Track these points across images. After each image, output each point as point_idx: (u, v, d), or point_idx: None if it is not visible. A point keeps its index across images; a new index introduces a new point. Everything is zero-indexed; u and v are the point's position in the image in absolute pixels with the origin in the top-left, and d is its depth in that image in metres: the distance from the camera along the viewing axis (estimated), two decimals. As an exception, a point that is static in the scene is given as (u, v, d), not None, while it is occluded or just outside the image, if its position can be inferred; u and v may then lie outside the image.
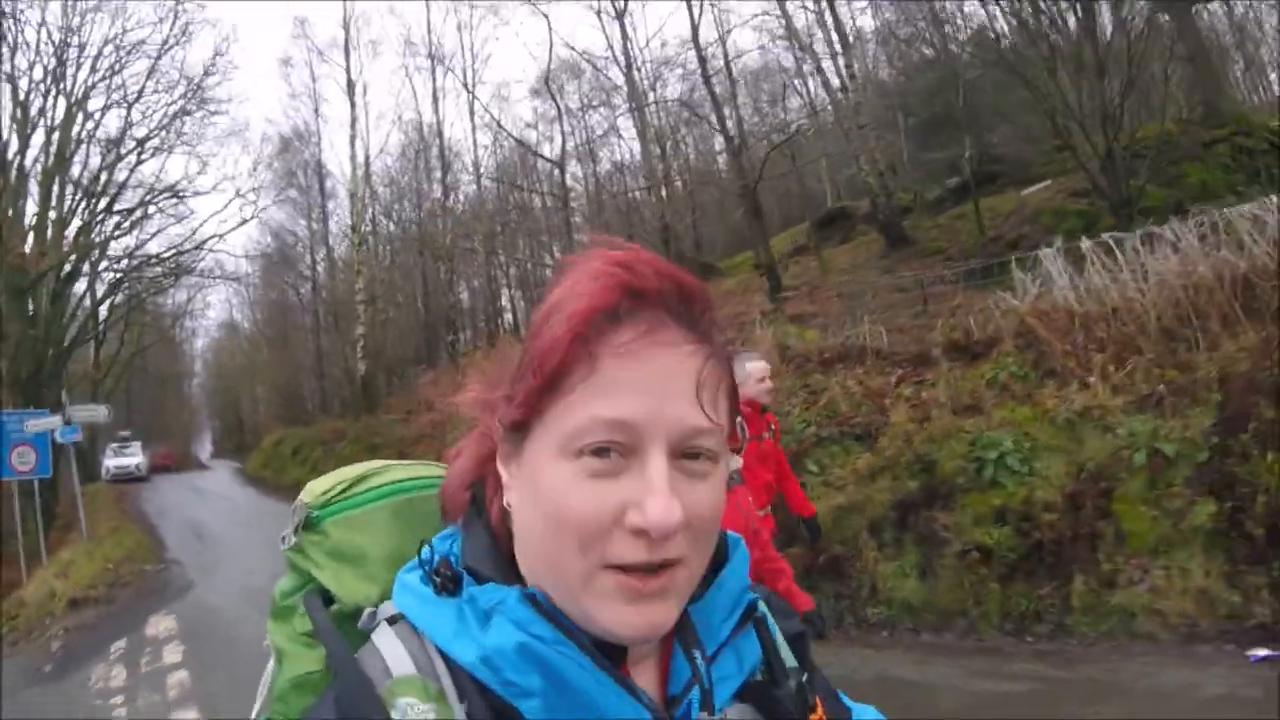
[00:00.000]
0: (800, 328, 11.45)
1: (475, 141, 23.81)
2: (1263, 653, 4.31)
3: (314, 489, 0.75)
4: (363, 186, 21.94)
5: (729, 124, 15.95)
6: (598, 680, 0.55)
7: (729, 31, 16.88)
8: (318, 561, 0.71)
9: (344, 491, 0.74)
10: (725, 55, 16.98)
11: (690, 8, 15.97)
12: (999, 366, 6.67)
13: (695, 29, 15.75)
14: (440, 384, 16.85)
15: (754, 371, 4.03)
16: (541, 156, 21.55)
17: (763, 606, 0.69)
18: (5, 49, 17.64)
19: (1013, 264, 7.73)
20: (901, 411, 6.59)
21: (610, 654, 0.57)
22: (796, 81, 21.44)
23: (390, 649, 0.59)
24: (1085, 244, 6.86)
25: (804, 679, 0.67)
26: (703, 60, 15.81)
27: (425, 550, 0.63)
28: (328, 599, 0.69)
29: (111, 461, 26.74)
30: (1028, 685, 4.24)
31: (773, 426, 4.26)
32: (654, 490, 0.54)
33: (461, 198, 24.25)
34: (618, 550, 0.55)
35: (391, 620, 0.62)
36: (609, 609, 0.55)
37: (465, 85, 21.40)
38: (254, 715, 0.72)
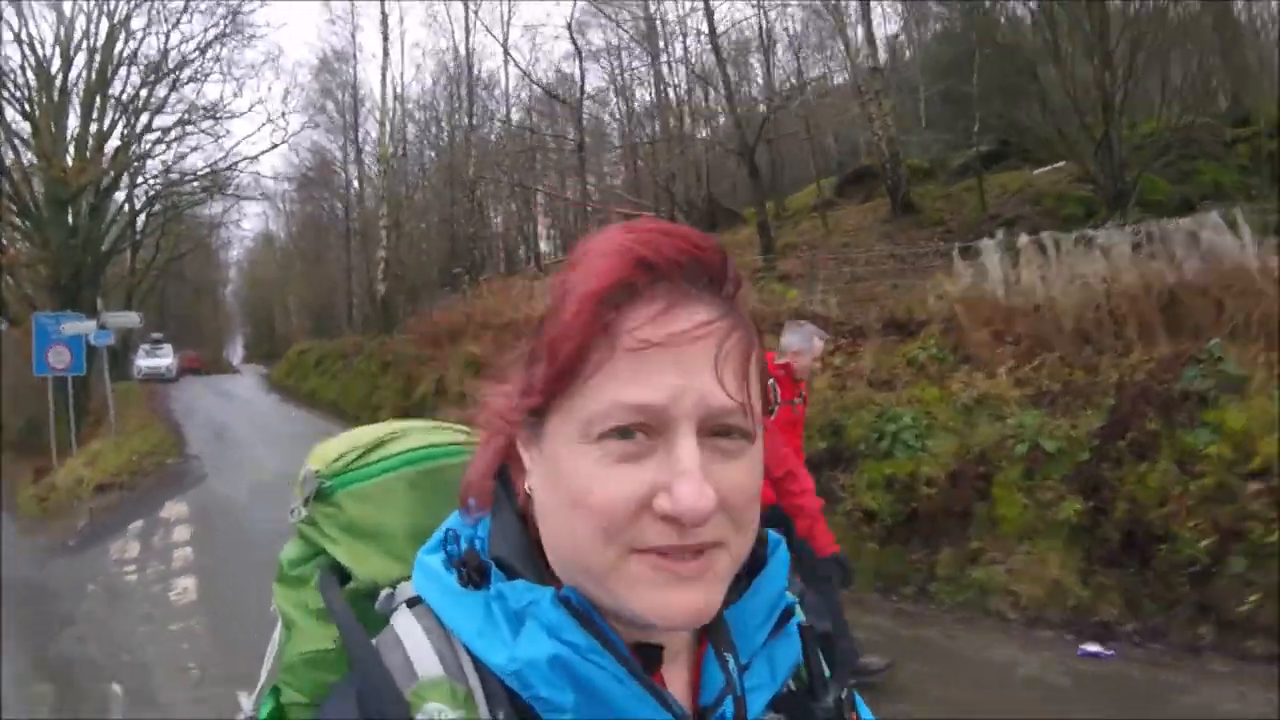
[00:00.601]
0: (785, 287, 11.91)
1: (507, 74, 23.66)
2: (1092, 648, 4.76)
3: (325, 455, 0.72)
4: (391, 116, 22.43)
5: (733, 83, 16.03)
6: (632, 693, 0.52)
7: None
8: (331, 536, 0.69)
9: (358, 459, 0.72)
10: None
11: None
12: (923, 347, 7.16)
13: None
14: (451, 311, 17.56)
15: (814, 350, 4.21)
16: (558, 98, 21.76)
17: (800, 612, 0.65)
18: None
19: (955, 252, 8.11)
20: (824, 379, 7.14)
21: (645, 659, 0.55)
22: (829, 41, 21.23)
23: (414, 642, 0.56)
24: (1022, 239, 7.23)
25: (844, 694, 0.64)
26: (711, 17, 15.86)
27: (443, 532, 0.60)
28: (341, 574, 0.67)
29: (143, 362, 27.89)
30: (867, 635, 4.88)
31: (803, 394, 4.35)
32: (684, 473, 0.51)
33: (492, 129, 24.66)
34: (647, 535, 0.52)
35: (411, 603, 0.59)
36: (644, 594, 0.52)
37: (489, 31, 21.47)
38: (261, 682, 0.71)
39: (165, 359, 28.26)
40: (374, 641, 0.57)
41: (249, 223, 38.51)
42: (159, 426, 17.72)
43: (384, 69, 22.10)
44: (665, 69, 19.39)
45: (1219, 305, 5.66)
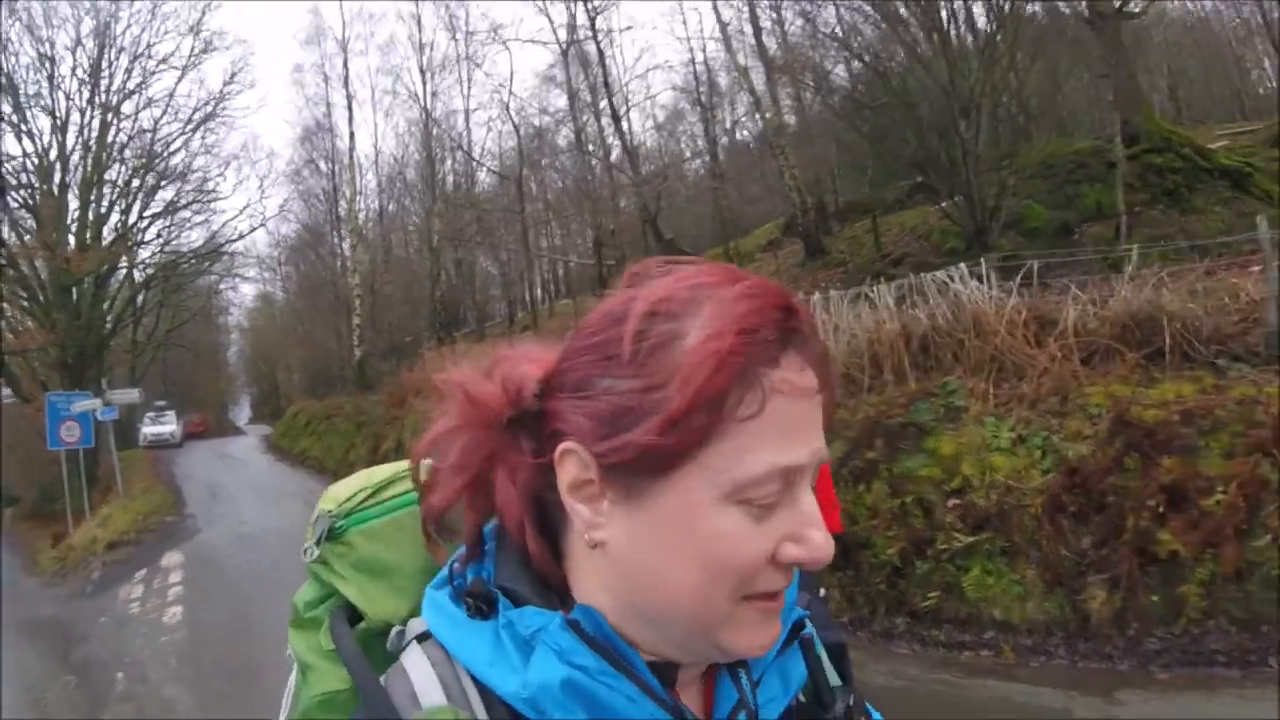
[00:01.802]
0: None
1: (469, 135, 25.61)
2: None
3: (336, 495, 0.71)
4: (358, 188, 24.51)
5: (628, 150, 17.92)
6: (646, 711, 0.53)
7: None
8: (342, 574, 0.68)
9: (369, 498, 0.70)
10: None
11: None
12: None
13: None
14: (416, 373, 19.26)
15: None
16: (495, 171, 23.87)
17: (809, 624, 0.66)
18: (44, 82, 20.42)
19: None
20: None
21: (662, 676, 0.55)
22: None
23: (419, 674, 0.56)
24: (814, 299, 8.86)
25: (850, 701, 0.65)
26: (611, 97, 17.91)
27: (449, 569, 0.61)
28: (355, 614, 0.66)
29: (148, 429, 29.70)
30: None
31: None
32: (815, 523, 0.53)
33: (465, 185, 26.50)
34: (763, 584, 0.53)
35: (422, 638, 0.59)
36: (748, 635, 0.54)
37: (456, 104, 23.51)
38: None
39: (169, 426, 30.03)
40: (383, 678, 0.57)
41: (247, 286, 40.43)
42: (161, 489, 19.48)
43: (350, 148, 24.23)
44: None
45: (960, 345, 7.25)
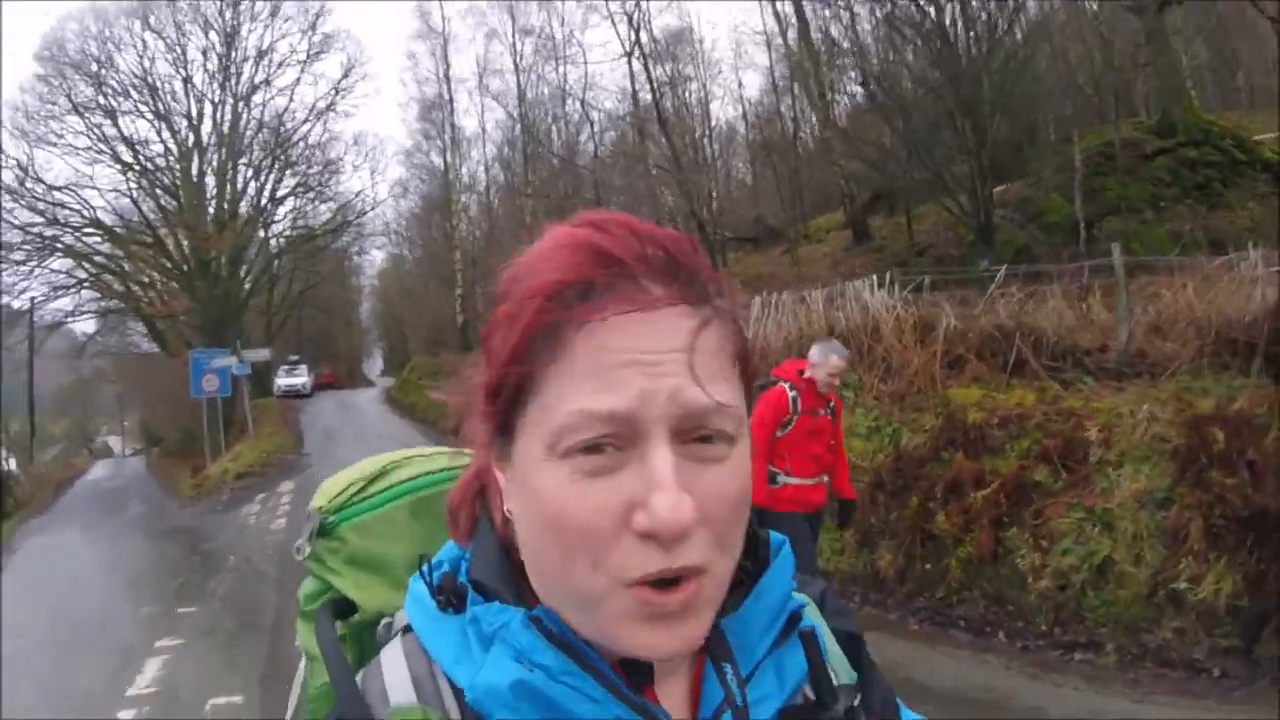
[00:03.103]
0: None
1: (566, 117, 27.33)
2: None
3: (328, 491, 0.73)
4: (457, 171, 26.95)
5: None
6: (611, 713, 0.49)
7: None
8: (336, 569, 0.70)
9: (359, 492, 0.73)
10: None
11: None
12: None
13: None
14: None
15: (828, 364, 4.43)
16: (568, 161, 25.43)
17: (811, 614, 0.62)
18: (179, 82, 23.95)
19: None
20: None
21: (634, 674, 0.51)
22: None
23: (392, 669, 0.55)
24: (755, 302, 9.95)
25: (856, 701, 0.59)
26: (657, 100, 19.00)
27: (431, 560, 0.59)
28: (350, 607, 0.68)
29: (282, 380, 33.22)
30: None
31: (833, 404, 4.64)
32: (658, 485, 0.47)
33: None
34: (629, 561, 0.47)
35: (407, 630, 0.57)
36: (629, 631, 0.49)
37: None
38: (289, 715, 0.72)
39: (300, 378, 33.78)
40: (363, 671, 0.56)
41: (379, 251, 44.54)
42: (286, 432, 22.81)
43: (450, 138, 26.52)
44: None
45: (864, 346, 8.40)
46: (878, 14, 14.31)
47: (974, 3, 13.24)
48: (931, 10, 13.06)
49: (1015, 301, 7.40)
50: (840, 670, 0.61)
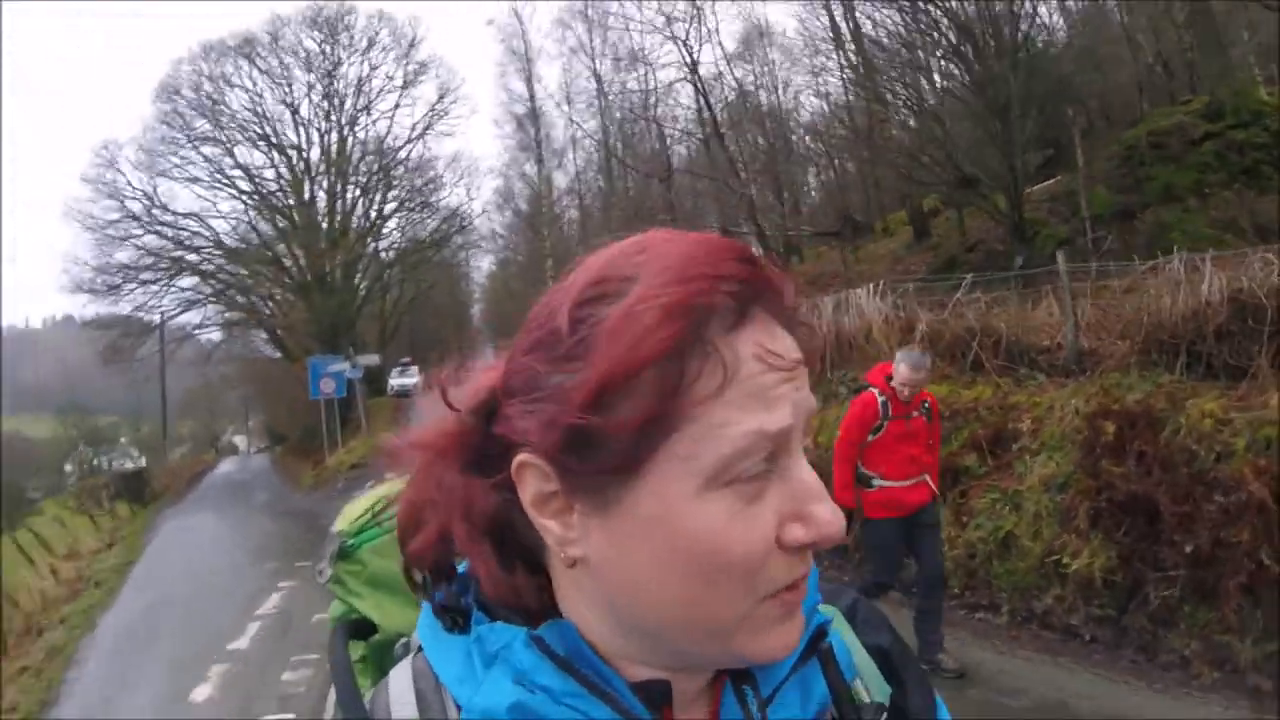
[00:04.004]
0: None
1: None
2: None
3: (349, 514, 0.76)
4: (544, 188, 28.72)
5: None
6: None
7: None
8: (357, 591, 0.71)
9: (379, 514, 0.74)
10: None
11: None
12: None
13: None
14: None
15: (898, 375, 4.50)
16: (632, 168, 26.62)
17: (838, 629, 0.61)
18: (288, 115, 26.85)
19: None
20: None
21: (650, 696, 0.50)
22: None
23: (398, 686, 0.55)
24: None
25: (883, 718, 0.58)
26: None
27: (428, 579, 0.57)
28: (369, 627, 0.69)
29: (395, 381, 35.34)
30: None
31: (928, 404, 4.70)
32: (817, 496, 0.47)
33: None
34: (776, 576, 0.47)
35: (420, 649, 0.57)
36: (767, 637, 0.48)
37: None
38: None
39: (412, 379, 36.26)
40: (373, 689, 0.57)
41: (486, 256, 47.56)
42: (396, 428, 25.14)
43: (539, 154, 28.31)
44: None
45: (858, 347, 9.28)
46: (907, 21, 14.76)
47: (998, 6, 13.54)
48: (951, 21, 13.50)
49: (981, 305, 8.13)
50: (872, 685, 0.60)
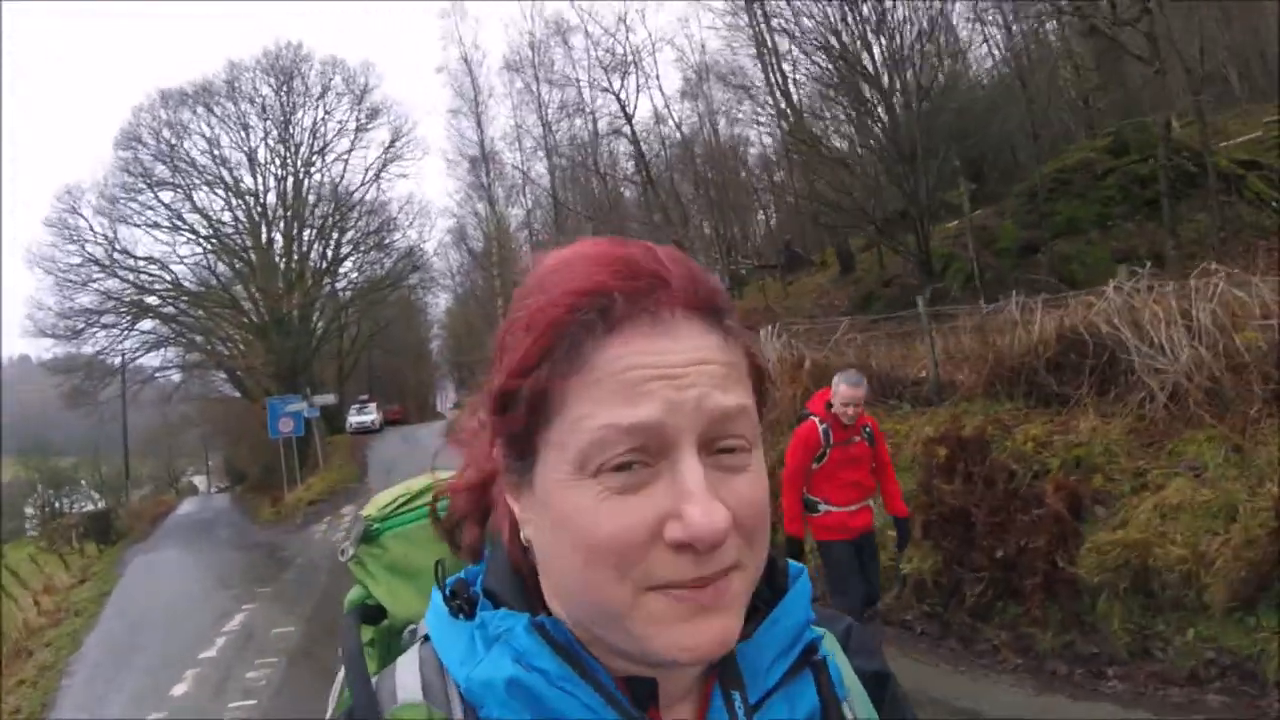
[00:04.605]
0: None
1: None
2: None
3: (379, 500, 0.79)
4: (494, 228, 29.80)
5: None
6: None
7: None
8: (374, 575, 0.74)
9: (406, 504, 0.77)
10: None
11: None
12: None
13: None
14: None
15: (839, 394, 4.47)
16: (581, 214, 27.76)
17: (829, 647, 0.62)
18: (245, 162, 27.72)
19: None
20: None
21: (637, 693, 0.53)
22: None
23: (404, 671, 0.58)
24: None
25: None
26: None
27: (443, 569, 0.61)
28: (380, 613, 0.72)
29: (353, 418, 35.65)
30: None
31: (869, 429, 4.72)
32: (691, 496, 0.48)
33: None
34: (661, 571, 0.48)
35: (427, 637, 0.60)
36: (662, 633, 0.49)
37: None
38: (329, 714, 0.73)
39: (370, 415, 36.42)
40: (381, 673, 0.59)
41: (442, 297, 48.07)
42: (352, 466, 25.88)
43: (489, 196, 29.36)
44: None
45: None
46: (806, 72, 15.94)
47: (900, 54, 14.65)
48: (853, 69, 14.63)
49: (859, 342, 9.16)
50: (859, 708, 0.62)
